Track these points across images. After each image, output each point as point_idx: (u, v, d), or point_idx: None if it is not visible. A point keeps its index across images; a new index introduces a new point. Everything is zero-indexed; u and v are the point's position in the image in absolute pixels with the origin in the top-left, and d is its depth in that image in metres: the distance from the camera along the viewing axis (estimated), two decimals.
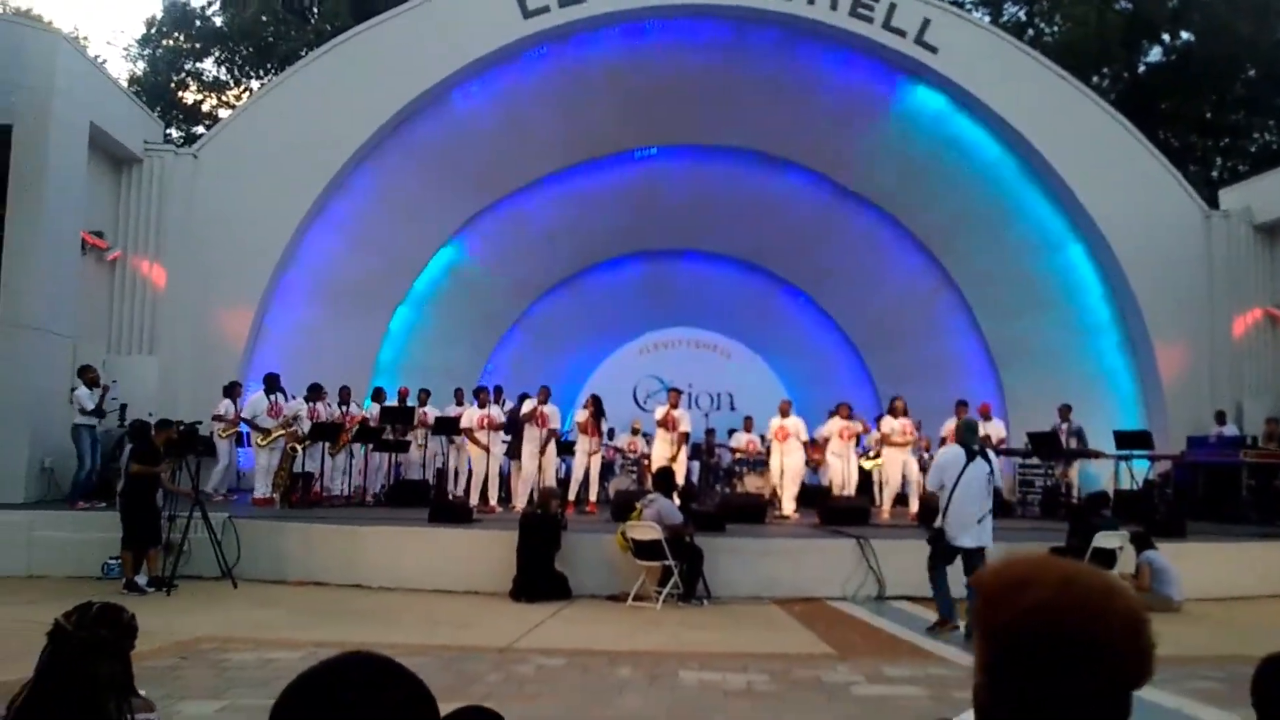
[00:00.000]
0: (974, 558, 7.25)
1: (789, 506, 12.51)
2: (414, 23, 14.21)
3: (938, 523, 7.55)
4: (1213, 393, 14.79)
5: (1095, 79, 24.20)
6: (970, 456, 7.36)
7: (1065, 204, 15.34)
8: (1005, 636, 1.12)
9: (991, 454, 7.68)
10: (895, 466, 12.70)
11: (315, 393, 12.55)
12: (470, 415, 12.57)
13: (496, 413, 12.60)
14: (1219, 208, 15.80)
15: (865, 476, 13.79)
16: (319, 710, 1.08)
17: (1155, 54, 27.03)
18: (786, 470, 12.68)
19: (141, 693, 2.40)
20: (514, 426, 12.47)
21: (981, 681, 1.15)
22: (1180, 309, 14.93)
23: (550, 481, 11.68)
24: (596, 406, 12.50)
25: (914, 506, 12.43)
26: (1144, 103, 24.25)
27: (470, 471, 12.71)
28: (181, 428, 9.58)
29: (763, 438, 14.47)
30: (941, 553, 7.50)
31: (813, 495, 13.12)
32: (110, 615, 2.17)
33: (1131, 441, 13.04)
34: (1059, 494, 13.44)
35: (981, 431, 12.64)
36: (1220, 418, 14.15)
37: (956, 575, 7.42)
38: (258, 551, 9.52)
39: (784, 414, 12.86)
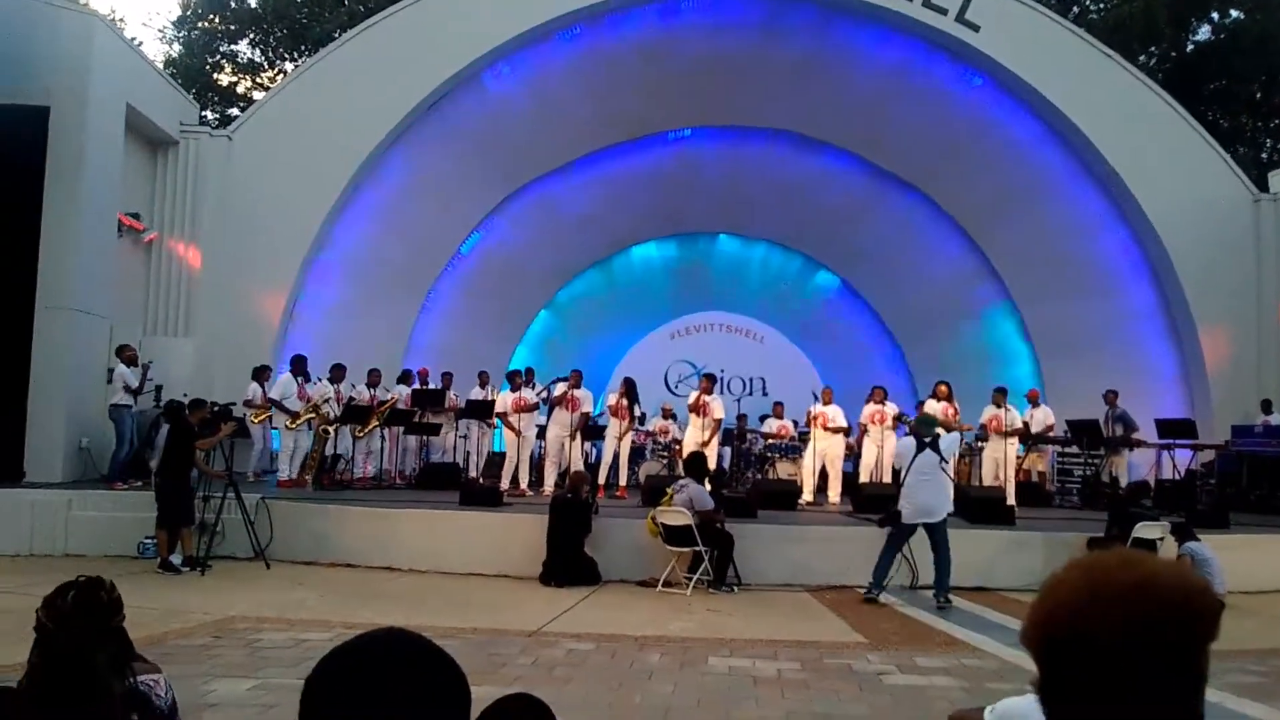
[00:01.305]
0: (937, 530, 8.21)
1: (833, 499, 12.42)
2: (447, 4, 14.16)
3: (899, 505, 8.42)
4: (1259, 380, 14.43)
5: (1142, 58, 23.65)
6: (920, 447, 8.30)
7: (1109, 186, 15.00)
8: (1032, 645, 1.07)
9: (942, 443, 8.41)
10: None
11: (337, 373, 12.56)
12: (504, 399, 12.56)
13: (529, 395, 12.58)
14: (1268, 190, 15.36)
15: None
16: (353, 686, 1.06)
17: (1204, 32, 26.31)
18: (829, 461, 12.61)
19: (149, 663, 2.37)
20: (550, 410, 12.48)
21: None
22: (1226, 294, 14.57)
23: (578, 465, 11.64)
24: (630, 390, 12.44)
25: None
26: (1192, 82, 23.64)
27: (489, 453, 12.73)
28: (216, 408, 9.65)
29: (796, 423, 14.35)
30: (898, 530, 8.34)
31: (846, 482, 13.01)
32: (90, 602, 2.09)
33: (1174, 430, 12.78)
34: (1101, 483, 13.17)
35: (1026, 416, 12.65)
36: (1266, 406, 13.80)
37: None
38: (290, 533, 9.61)
39: (825, 401, 12.75)
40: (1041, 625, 1.05)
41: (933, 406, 12.39)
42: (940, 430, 9.07)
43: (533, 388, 12.96)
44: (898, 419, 12.54)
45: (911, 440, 8.58)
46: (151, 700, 2.15)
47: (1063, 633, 1.03)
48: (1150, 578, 1.03)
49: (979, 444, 13.34)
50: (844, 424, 12.72)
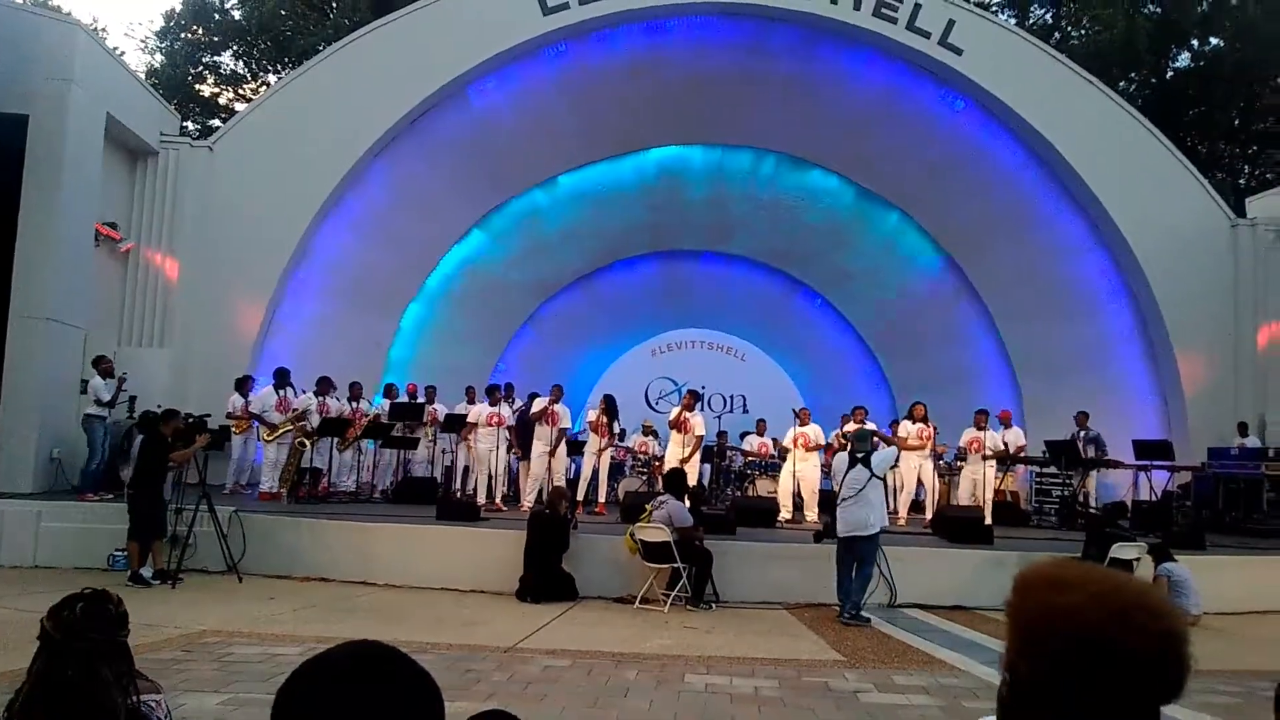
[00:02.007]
0: (864, 545, 8.22)
1: (810, 516, 12.39)
2: (432, 18, 14.18)
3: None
4: (1235, 403, 14.58)
5: (1122, 84, 23.98)
6: (852, 462, 8.38)
7: (1089, 210, 15.15)
8: (1034, 634, 1.09)
9: (875, 458, 8.42)
10: (910, 471, 12.55)
11: (324, 386, 12.48)
12: (479, 412, 12.50)
13: (506, 411, 12.53)
14: (1245, 216, 15.58)
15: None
16: (325, 698, 1.05)
17: (1183, 59, 26.76)
18: (805, 481, 12.57)
19: (150, 682, 2.33)
20: (523, 425, 12.39)
21: (1005, 679, 1.11)
22: (1204, 318, 14.73)
23: (559, 481, 11.59)
24: (609, 407, 12.40)
25: (929, 513, 12.28)
26: (1171, 109, 24.01)
27: (478, 469, 12.66)
28: (190, 419, 9.54)
29: (775, 441, 14.34)
30: (841, 547, 8.34)
31: (826, 500, 12.99)
32: (98, 615, 2.06)
33: (1151, 452, 12.85)
34: (1076, 504, 13.24)
35: (1001, 438, 12.70)
36: (1242, 429, 13.95)
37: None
38: (263, 546, 9.48)
39: (803, 422, 12.73)
40: (1056, 615, 1.06)
41: (907, 428, 12.48)
42: (880, 444, 9.15)
43: (511, 403, 12.91)
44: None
45: (843, 456, 8.69)
46: None
47: (1073, 623, 1.05)
48: (1158, 601, 1.10)
49: (958, 464, 13.39)
50: (824, 442, 12.71)
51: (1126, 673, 1.02)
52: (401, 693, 1.08)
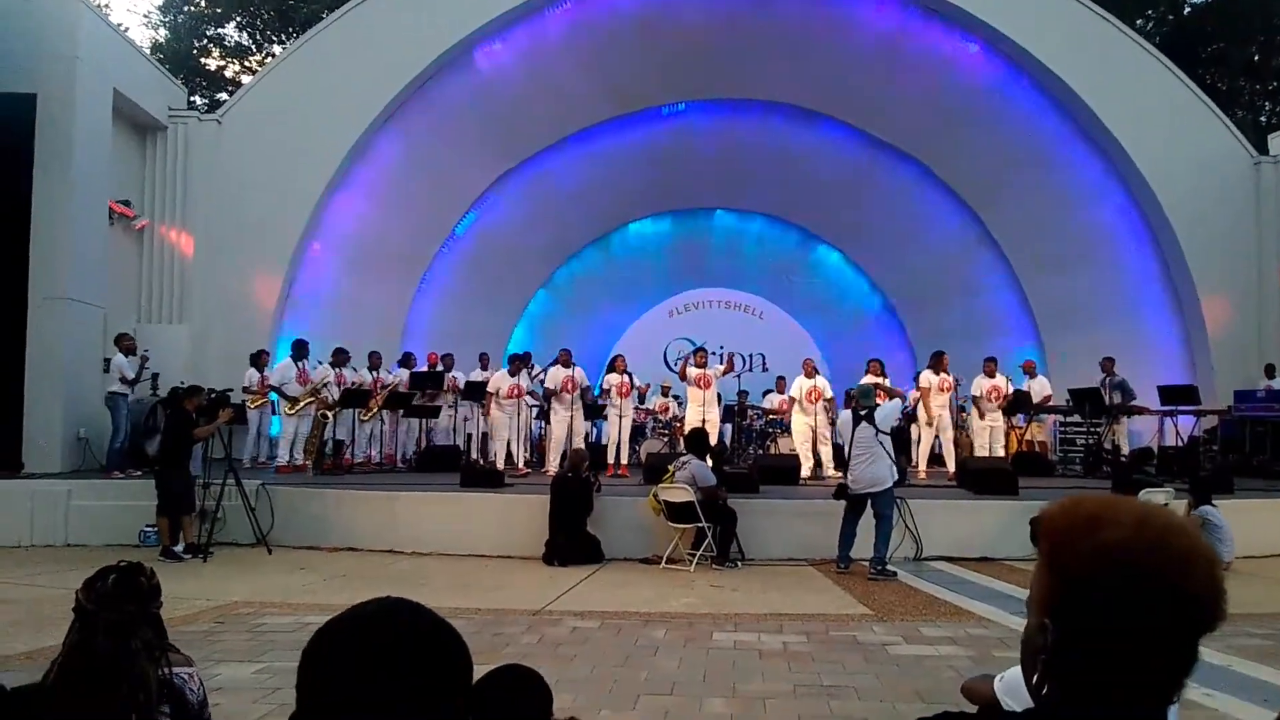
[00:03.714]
0: (880, 499, 8.25)
1: (830, 472, 12.36)
2: None
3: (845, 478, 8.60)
4: (1261, 345, 14.36)
5: (1139, 21, 23.43)
6: (857, 420, 8.41)
7: (1109, 151, 14.85)
8: (1079, 575, 1.06)
9: (878, 414, 8.43)
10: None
11: (339, 357, 12.51)
12: (499, 382, 12.51)
13: (525, 382, 12.57)
14: (1268, 153, 15.23)
15: (900, 435, 13.54)
16: (352, 653, 1.04)
17: None
18: (822, 435, 12.52)
19: (183, 655, 2.34)
20: (547, 397, 12.47)
21: (1040, 624, 1.08)
22: (1227, 259, 14.47)
23: (579, 444, 11.61)
24: (625, 367, 12.47)
25: (951, 465, 12.22)
26: (1189, 46, 23.46)
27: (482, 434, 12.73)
28: (213, 394, 9.59)
29: (794, 400, 14.28)
30: (849, 503, 8.43)
31: (843, 455, 12.94)
32: (131, 587, 2.07)
33: (1176, 396, 12.72)
34: (1103, 452, 13.14)
35: (1024, 387, 12.57)
36: (1269, 370, 13.75)
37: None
38: (292, 518, 9.59)
39: (809, 374, 12.66)
40: (1101, 552, 1.04)
41: (929, 377, 12.38)
42: (881, 400, 9.07)
43: (530, 370, 12.91)
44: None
45: (848, 414, 8.70)
46: (185, 695, 2.11)
47: (1117, 559, 1.03)
48: (1190, 526, 1.09)
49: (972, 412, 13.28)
50: (831, 395, 12.65)
51: (1178, 599, 1.01)
52: (428, 646, 1.08)
